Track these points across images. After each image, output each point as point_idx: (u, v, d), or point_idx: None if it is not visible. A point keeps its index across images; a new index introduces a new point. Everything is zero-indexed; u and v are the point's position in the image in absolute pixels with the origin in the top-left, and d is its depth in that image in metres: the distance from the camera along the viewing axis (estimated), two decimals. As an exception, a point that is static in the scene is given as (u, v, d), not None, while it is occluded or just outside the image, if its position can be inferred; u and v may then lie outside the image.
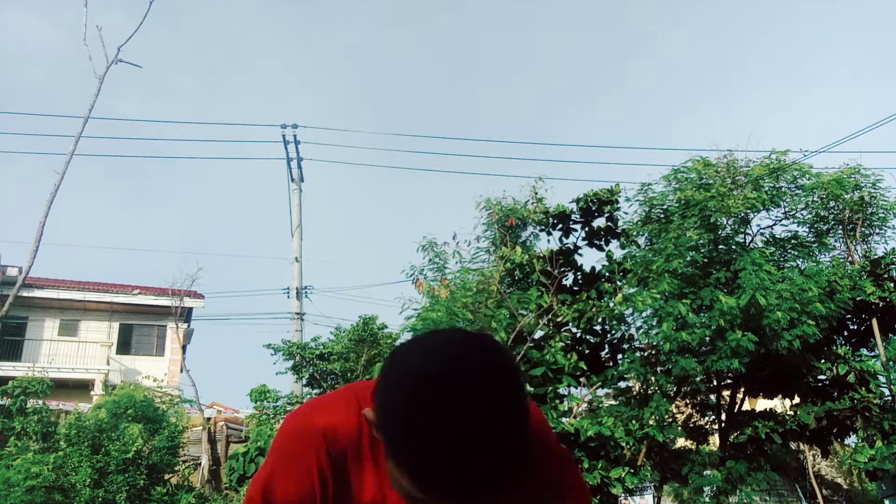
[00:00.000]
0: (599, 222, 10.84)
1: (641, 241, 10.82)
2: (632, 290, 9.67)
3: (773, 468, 10.11)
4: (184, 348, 22.31)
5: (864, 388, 9.87)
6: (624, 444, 9.11)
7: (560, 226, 10.84)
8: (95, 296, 22.81)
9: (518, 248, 10.06)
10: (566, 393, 9.46)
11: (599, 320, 10.11)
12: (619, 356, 10.43)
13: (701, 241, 9.70)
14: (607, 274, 10.49)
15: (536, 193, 10.81)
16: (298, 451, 1.10)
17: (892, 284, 10.20)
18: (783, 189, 10.62)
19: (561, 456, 1.29)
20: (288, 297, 20.28)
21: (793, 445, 11.92)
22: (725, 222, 10.28)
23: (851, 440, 11.24)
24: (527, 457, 0.90)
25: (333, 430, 1.10)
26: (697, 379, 9.95)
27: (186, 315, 22.80)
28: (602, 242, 10.88)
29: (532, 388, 8.90)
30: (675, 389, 10.50)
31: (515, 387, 0.91)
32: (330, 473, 1.10)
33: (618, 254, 10.68)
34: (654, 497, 11.52)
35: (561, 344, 9.40)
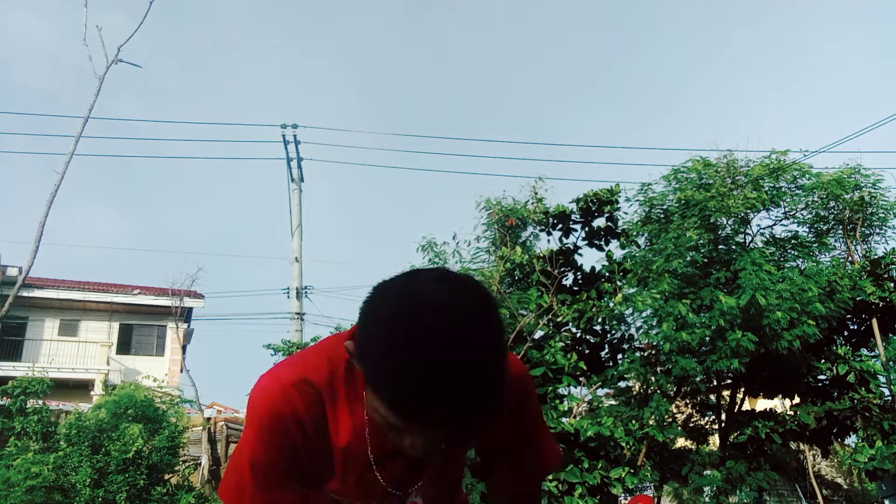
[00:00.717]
0: (599, 222, 10.85)
1: (641, 241, 10.82)
2: (632, 290, 9.67)
3: (773, 468, 10.10)
4: (184, 348, 22.30)
5: (864, 388, 9.87)
6: (624, 444, 9.11)
7: (560, 226, 10.84)
8: (95, 296, 22.80)
9: (518, 248, 10.06)
10: (566, 393, 9.47)
11: (599, 320, 10.12)
12: (619, 356, 10.43)
13: (701, 241, 9.70)
14: (607, 274, 10.49)
15: (536, 193, 10.82)
16: (274, 412, 1.10)
17: (892, 284, 10.20)
18: (783, 189, 10.62)
19: (527, 387, 1.28)
20: (288, 297, 20.28)
21: (793, 445, 11.91)
22: (725, 222, 10.28)
23: (851, 440, 11.24)
24: (501, 391, 0.91)
25: (304, 383, 1.10)
26: (697, 379, 9.96)
27: (186, 315, 22.78)
28: (602, 242, 10.88)
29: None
30: (675, 389, 10.50)
31: (495, 322, 0.92)
32: (309, 425, 1.11)
33: (618, 254, 10.69)
34: (654, 497, 11.51)
35: (561, 344, 9.40)
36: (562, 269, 10.19)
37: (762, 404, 13.43)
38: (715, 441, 11.44)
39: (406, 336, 0.87)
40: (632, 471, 8.88)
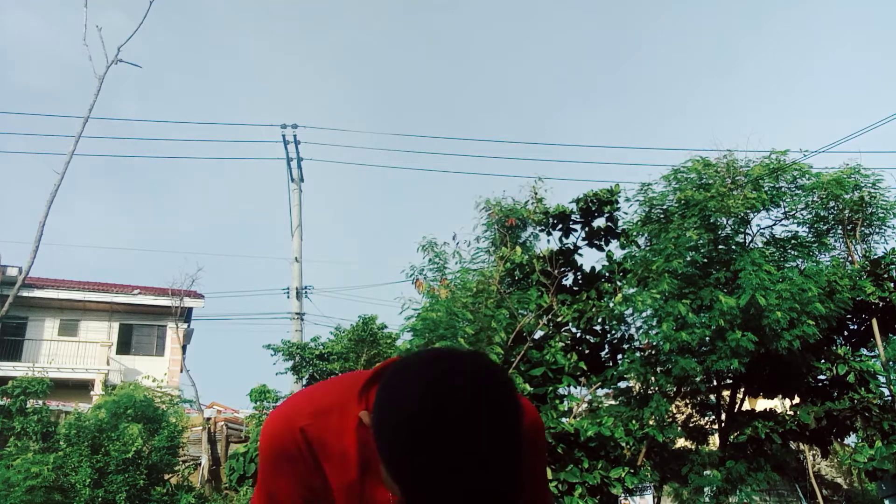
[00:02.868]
0: (599, 222, 10.85)
1: (641, 241, 10.82)
2: (632, 290, 9.67)
3: (773, 468, 10.10)
4: (184, 348, 22.33)
5: (863, 388, 9.87)
6: (624, 444, 9.11)
7: (560, 226, 10.84)
8: (95, 296, 22.80)
9: (518, 249, 10.06)
10: (566, 393, 9.47)
11: (599, 320, 10.12)
12: (619, 356, 10.43)
13: (701, 241, 9.70)
14: (607, 274, 10.49)
15: (536, 193, 10.82)
16: (278, 445, 1.15)
17: (892, 284, 10.20)
18: (783, 189, 10.62)
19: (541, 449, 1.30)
20: (288, 297, 20.29)
21: (793, 445, 11.91)
22: (725, 222, 10.28)
23: (851, 440, 11.24)
24: (520, 478, 0.91)
25: (311, 417, 1.15)
26: (697, 379, 9.95)
27: (186, 315, 22.81)
28: (602, 242, 10.88)
29: (532, 388, 8.90)
30: (675, 389, 10.50)
31: (515, 413, 0.92)
32: (310, 461, 1.15)
33: (618, 254, 10.69)
34: (654, 497, 11.51)
35: (561, 344, 9.39)
36: (562, 269, 10.19)
37: (762, 404, 13.44)
38: (715, 441, 11.44)
39: (427, 444, 0.87)
40: (632, 471, 8.88)
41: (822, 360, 10.17)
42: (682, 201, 10.11)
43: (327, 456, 1.15)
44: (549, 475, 8.02)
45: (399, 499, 1.01)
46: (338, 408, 1.15)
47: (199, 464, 15.63)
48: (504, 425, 0.90)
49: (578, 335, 10.53)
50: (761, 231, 11.01)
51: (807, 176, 10.53)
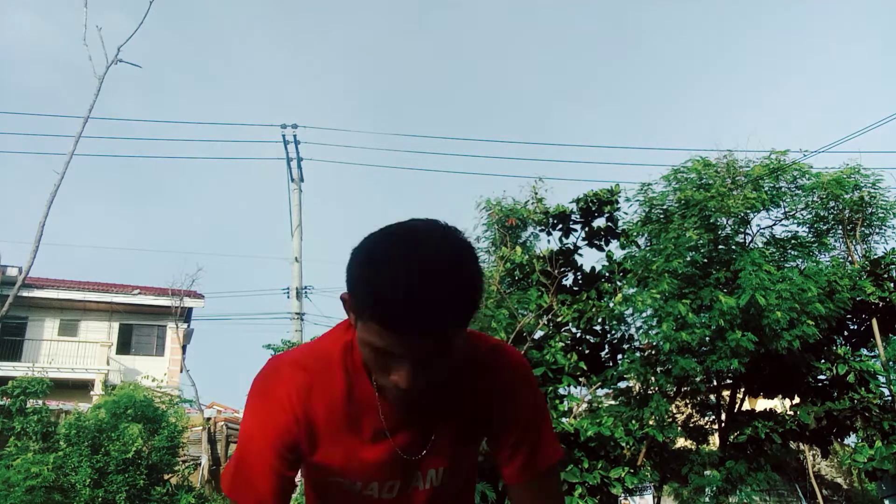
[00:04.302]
0: (599, 222, 10.85)
1: (641, 241, 10.82)
2: (632, 291, 9.67)
3: (773, 468, 10.10)
4: (184, 348, 22.29)
5: (864, 388, 9.87)
6: (624, 444, 9.11)
7: (560, 226, 10.84)
8: (95, 296, 22.79)
9: (518, 249, 10.06)
10: (566, 393, 9.46)
11: (599, 320, 10.11)
12: (619, 356, 10.43)
13: (701, 241, 9.70)
14: (607, 274, 10.49)
15: (536, 193, 10.82)
16: (269, 390, 1.20)
17: (892, 284, 10.20)
18: (783, 189, 10.62)
19: (532, 394, 1.33)
20: (288, 297, 20.27)
21: (793, 445, 11.91)
22: (725, 222, 10.28)
23: (851, 440, 11.23)
24: (470, 295, 1.02)
25: (297, 365, 1.21)
26: (697, 379, 9.95)
27: (186, 315, 22.77)
28: (602, 242, 10.88)
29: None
30: (675, 389, 10.49)
31: (466, 244, 1.04)
32: (300, 407, 1.19)
33: (618, 254, 10.68)
34: (654, 497, 11.51)
35: (561, 344, 9.39)
36: (562, 269, 10.19)
37: (762, 404, 13.43)
38: (715, 441, 11.44)
39: (376, 254, 1.00)
40: (632, 471, 8.88)
41: (822, 360, 10.17)
42: (682, 201, 10.11)
43: (313, 400, 1.19)
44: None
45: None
46: (325, 354, 1.22)
47: (199, 464, 15.62)
48: (452, 259, 1.01)
49: (578, 335, 10.52)
50: (761, 231, 11.01)
51: (807, 176, 10.53)
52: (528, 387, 1.31)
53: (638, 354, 10.03)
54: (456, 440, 1.28)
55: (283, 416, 1.18)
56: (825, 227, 11.11)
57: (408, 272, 0.96)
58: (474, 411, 1.26)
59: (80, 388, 20.49)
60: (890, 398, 10.12)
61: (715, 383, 10.98)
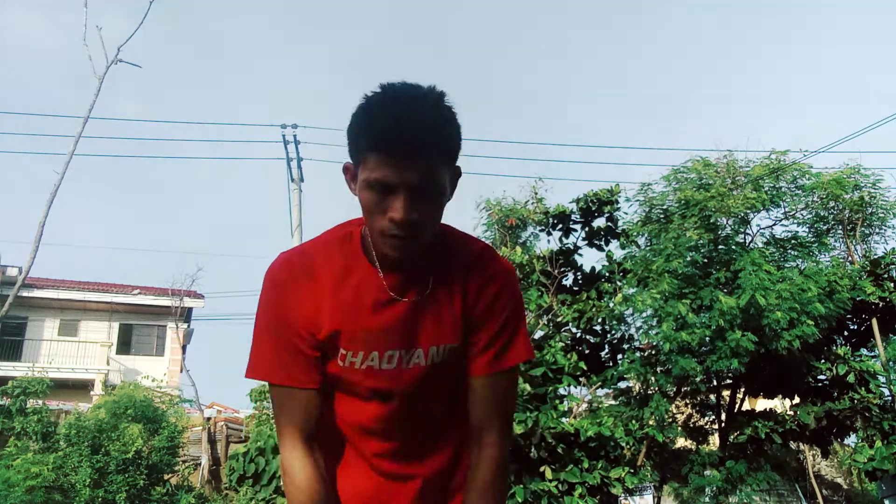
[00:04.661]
0: (599, 222, 10.85)
1: (641, 241, 10.82)
2: (632, 290, 9.67)
3: (773, 468, 10.10)
4: (184, 348, 22.29)
5: (864, 389, 9.87)
6: (624, 444, 9.11)
7: (560, 226, 10.84)
8: (95, 296, 22.78)
9: (518, 248, 10.06)
10: (566, 393, 9.46)
11: (599, 320, 10.12)
12: (619, 356, 10.43)
13: (701, 241, 9.70)
14: (607, 274, 10.48)
15: (536, 193, 10.82)
16: (274, 279, 1.34)
17: (892, 284, 10.20)
18: (783, 189, 10.62)
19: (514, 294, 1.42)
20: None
21: (793, 445, 11.91)
22: (725, 222, 10.28)
23: (851, 440, 11.23)
24: (447, 125, 1.22)
25: (301, 255, 1.37)
26: (697, 379, 9.96)
27: (186, 315, 22.77)
28: (602, 242, 10.88)
29: (532, 388, 8.90)
30: (675, 389, 10.50)
31: (444, 97, 1.23)
32: (305, 288, 1.32)
33: (618, 254, 10.68)
34: (654, 497, 11.51)
35: (561, 344, 9.39)
36: (562, 270, 10.19)
37: (762, 404, 13.43)
38: (715, 441, 11.44)
39: (372, 96, 1.21)
40: (632, 471, 8.87)
41: (822, 360, 10.17)
42: (682, 201, 10.11)
43: (317, 276, 1.32)
44: (549, 475, 8.02)
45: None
46: (326, 241, 1.37)
47: (199, 464, 15.61)
48: (435, 99, 1.21)
49: (578, 335, 10.52)
50: (761, 231, 11.02)
51: (807, 176, 10.53)
52: (513, 287, 1.41)
53: (638, 354, 10.03)
54: (451, 324, 1.35)
55: (293, 295, 1.31)
56: (825, 227, 11.11)
57: (397, 103, 1.18)
58: (465, 303, 1.35)
59: (80, 388, 20.48)
60: (890, 398, 10.13)
61: (715, 383, 10.98)
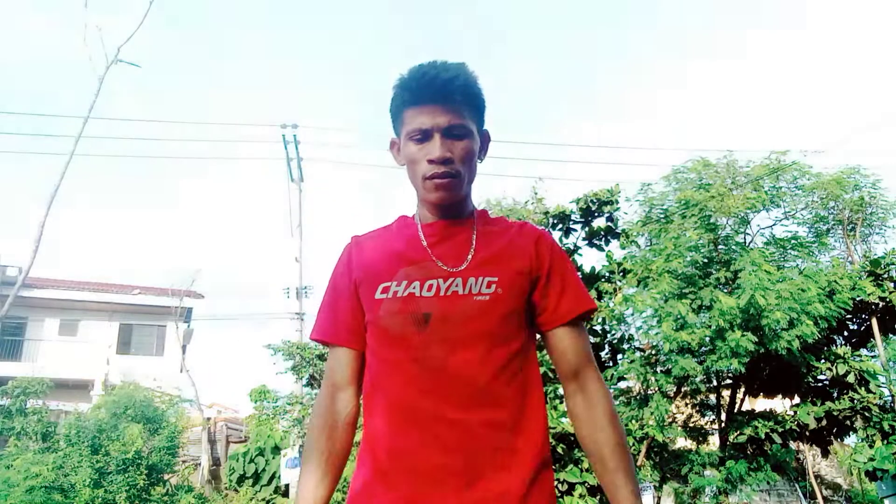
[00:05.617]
0: (599, 222, 10.84)
1: (641, 241, 10.82)
2: (632, 291, 9.67)
3: (773, 468, 10.10)
4: (184, 348, 22.30)
5: (863, 389, 9.87)
6: (624, 444, 9.09)
7: (560, 226, 10.84)
8: (95, 296, 22.77)
9: (518, 248, 10.03)
10: (566, 393, 9.45)
11: (599, 320, 10.11)
12: (619, 356, 10.42)
13: (701, 242, 9.70)
14: (607, 274, 10.48)
15: (536, 193, 10.82)
16: (338, 261, 1.58)
17: (892, 284, 10.20)
18: (783, 189, 10.62)
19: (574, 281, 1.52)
20: (288, 297, 20.26)
21: (793, 445, 11.90)
22: (725, 222, 10.28)
23: (851, 440, 11.23)
24: (473, 81, 1.43)
25: (356, 238, 1.59)
26: (697, 379, 9.95)
27: (186, 315, 22.77)
28: (602, 242, 10.88)
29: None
30: (675, 389, 10.50)
31: (468, 69, 1.45)
32: (356, 259, 1.53)
33: (618, 254, 10.68)
34: (654, 497, 11.51)
35: (561, 344, 9.38)
36: (562, 270, 10.17)
37: (762, 404, 13.42)
38: (715, 441, 11.44)
39: (407, 72, 1.43)
40: (632, 471, 8.87)
41: (822, 360, 10.17)
42: (682, 201, 10.11)
43: (366, 244, 1.54)
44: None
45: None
46: (385, 225, 1.59)
47: (199, 464, 15.62)
48: (460, 64, 1.43)
49: (578, 335, 10.50)
50: (761, 231, 11.02)
51: (807, 176, 10.53)
52: (559, 247, 1.53)
53: (638, 354, 10.02)
54: (496, 264, 1.44)
55: (345, 260, 1.54)
56: (825, 227, 11.11)
57: (423, 65, 1.40)
58: (514, 255, 1.45)
59: (80, 388, 20.47)
60: (890, 398, 10.12)
61: (715, 383, 10.98)
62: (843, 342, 10.80)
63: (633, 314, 9.90)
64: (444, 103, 1.37)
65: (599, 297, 10.03)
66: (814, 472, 15.08)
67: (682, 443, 11.52)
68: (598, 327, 10.43)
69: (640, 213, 10.76)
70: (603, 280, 10.41)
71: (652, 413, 9.18)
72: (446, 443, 1.32)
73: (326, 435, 1.46)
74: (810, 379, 10.50)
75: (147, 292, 22.89)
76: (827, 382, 10.61)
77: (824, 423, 10.23)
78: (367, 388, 1.45)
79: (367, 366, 1.47)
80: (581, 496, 8.36)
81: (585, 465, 8.68)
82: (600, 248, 10.87)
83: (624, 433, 1.41)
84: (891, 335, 10.40)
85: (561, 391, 9.22)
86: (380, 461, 1.36)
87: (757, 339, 8.85)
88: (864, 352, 10.58)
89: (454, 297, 1.38)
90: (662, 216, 10.52)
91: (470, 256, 1.43)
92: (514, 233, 1.50)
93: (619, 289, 9.86)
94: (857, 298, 10.01)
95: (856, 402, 9.81)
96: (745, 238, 10.68)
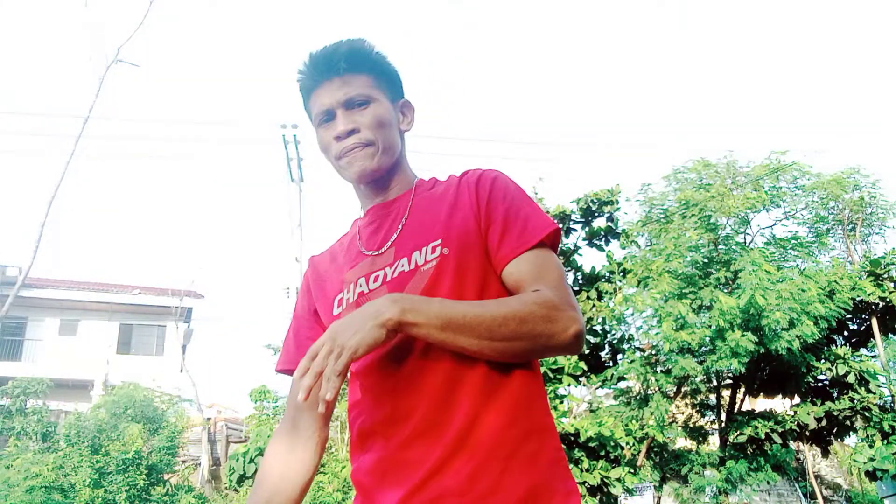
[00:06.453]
0: (600, 222, 10.85)
1: (641, 241, 10.82)
2: (632, 291, 9.67)
3: (773, 468, 10.10)
4: (184, 348, 22.30)
5: (863, 389, 9.87)
6: (624, 445, 9.11)
7: (560, 226, 10.84)
8: (95, 296, 22.76)
9: (518, 249, 10.04)
10: (566, 393, 9.46)
11: (600, 320, 10.11)
12: (619, 356, 10.42)
13: (701, 242, 9.70)
14: (607, 274, 10.48)
15: (536, 193, 10.82)
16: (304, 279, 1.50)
17: (892, 284, 10.20)
18: (783, 189, 10.63)
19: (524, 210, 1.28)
20: (288, 296, 20.27)
21: (793, 445, 11.90)
22: (725, 222, 10.28)
23: (851, 440, 11.23)
24: (360, 45, 1.33)
25: (313, 256, 1.49)
26: (697, 379, 9.96)
27: (186, 315, 22.77)
28: (602, 242, 10.88)
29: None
30: (675, 389, 10.50)
31: (360, 40, 1.36)
32: (313, 275, 1.44)
33: (618, 254, 10.68)
34: (654, 497, 11.52)
35: (561, 344, 9.38)
36: (562, 270, 10.18)
37: (762, 404, 13.43)
38: (715, 441, 11.44)
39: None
40: (632, 471, 8.88)
41: (822, 361, 10.17)
42: (683, 201, 10.12)
43: (317, 271, 1.44)
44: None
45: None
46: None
47: (199, 464, 15.62)
48: (347, 41, 1.34)
49: (578, 335, 10.51)
50: (761, 231, 11.02)
51: (807, 176, 10.54)
52: (508, 179, 1.33)
53: (638, 354, 10.03)
54: (434, 225, 1.28)
55: (303, 283, 1.47)
56: (825, 227, 11.12)
57: (311, 53, 1.33)
58: (457, 204, 1.29)
59: (80, 388, 20.47)
60: (890, 398, 10.13)
61: (715, 383, 10.98)
62: (843, 342, 10.81)
63: (633, 314, 9.91)
64: (336, 75, 1.29)
65: (599, 297, 10.03)
66: (814, 472, 15.08)
67: (682, 443, 11.52)
68: (597, 327, 10.43)
69: (641, 213, 10.77)
70: (603, 280, 10.41)
71: (652, 413, 9.18)
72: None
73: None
74: (810, 379, 10.50)
75: (147, 292, 22.89)
76: (827, 382, 10.61)
77: (824, 423, 10.23)
78: (350, 403, 1.31)
79: (349, 388, 1.34)
80: (581, 496, 8.36)
81: (585, 465, 8.68)
82: (600, 249, 10.87)
83: (517, 320, 1.10)
84: (891, 335, 10.40)
85: (561, 391, 9.28)
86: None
87: (757, 339, 8.85)
88: (864, 352, 10.58)
89: (401, 276, 1.24)
90: (662, 216, 10.52)
91: (400, 227, 1.30)
92: (454, 184, 1.33)
93: (619, 289, 9.86)
94: (857, 298, 10.01)
95: (856, 402, 9.81)
96: (745, 238, 10.69)
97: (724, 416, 10.99)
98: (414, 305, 1.09)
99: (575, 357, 9.23)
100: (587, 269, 10.77)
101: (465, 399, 1.15)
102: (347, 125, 1.28)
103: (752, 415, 10.84)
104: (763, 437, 9.93)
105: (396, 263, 1.26)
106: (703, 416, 11.75)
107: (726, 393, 11.24)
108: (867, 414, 9.82)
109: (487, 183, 1.29)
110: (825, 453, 11.77)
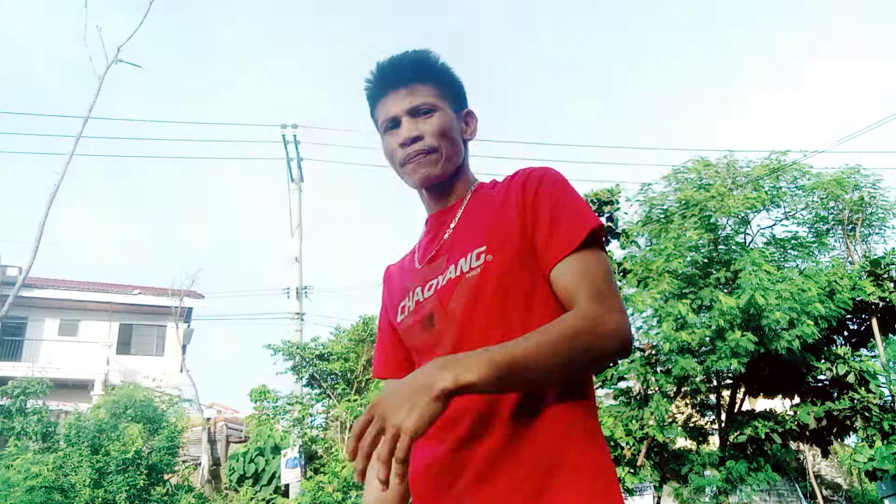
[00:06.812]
0: (599, 222, 10.85)
1: (641, 241, 10.82)
2: (632, 291, 9.67)
3: (773, 468, 10.10)
4: (184, 348, 22.31)
5: (863, 389, 9.87)
6: (624, 444, 9.11)
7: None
8: (95, 296, 22.76)
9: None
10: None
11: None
12: (619, 356, 10.42)
13: (701, 242, 9.70)
14: (607, 274, 10.48)
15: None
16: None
17: (892, 284, 10.20)
18: (783, 189, 10.63)
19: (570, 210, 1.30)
20: (288, 297, 20.26)
21: (793, 445, 11.90)
22: (725, 222, 10.28)
23: (851, 440, 11.23)
24: (427, 56, 1.39)
25: (387, 267, 1.57)
26: (697, 379, 9.96)
27: (186, 315, 22.78)
28: (602, 242, 10.88)
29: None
30: (675, 389, 10.50)
31: (427, 51, 1.41)
32: (386, 288, 1.54)
33: (618, 254, 10.68)
34: (654, 497, 11.51)
35: (561, 344, 9.38)
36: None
37: (762, 404, 13.42)
38: (715, 441, 11.43)
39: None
40: (631, 471, 8.89)
41: (822, 360, 10.17)
42: (683, 201, 10.12)
43: (391, 280, 1.52)
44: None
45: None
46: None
47: (199, 464, 15.62)
48: (412, 51, 1.39)
49: (578, 335, 10.50)
50: (761, 231, 11.02)
51: (807, 176, 10.53)
52: (556, 175, 1.33)
53: (638, 354, 10.03)
54: (479, 230, 1.31)
55: (383, 294, 1.54)
56: (825, 227, 11.12)
57: (380, 60, 1.39)
58: (503, 208, 1.31)
59: (80, 388, 20.47)
60: (890, 398, 10.12)
61: (715, 383, 10.98)
62: (843, 342, 10.81)
63: (633, 314, 9.90)
64: (402, 85, 1.35)
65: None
66: (814, 472, 15.07)
67: (682, 443, 11.52)
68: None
69: (641, 213, 10.76)
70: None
71: (652, 413, 9.18)
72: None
73: None
74: (810, 379, 10.50)
75: (147, 292, 22.89)
76: (827, 382, 10.61)
77: (824, 423, 10.23)
78: None
79: None
80: None
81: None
82: (600, 248, 10.87)
83: (566, 343, 1.08)
84: (891, 335, 10.40)
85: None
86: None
87: (757, 339, 8.85)
88: (864, 352, 10.58)
89: (449, 284, 1.28)
90: (662, 216, 10.52)
91: (447, 234, 1.35)
92: (503, 186, 1.35)
93: (620, 289, 9.85)
94: (857, 298, 10.01)
95: (856, 402, 9.81)
96: (745, 238, 10.68)
97: (724, 416, 10.99)
98: (464, 367, 1.03)
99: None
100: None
101: (516, 403, 1.18)
102: (412, 132, 1.34)
103: (752, 415, 10.84)
104: (763, 437, 9.93)
105: (448, 270, 1.32)
106: (703, 416, 11.75)
107: (726, 393, 11.24)
108: (867, 414, 9.82)
109: (534, 182, 1.31)
110: (825, 453, 11.76)
